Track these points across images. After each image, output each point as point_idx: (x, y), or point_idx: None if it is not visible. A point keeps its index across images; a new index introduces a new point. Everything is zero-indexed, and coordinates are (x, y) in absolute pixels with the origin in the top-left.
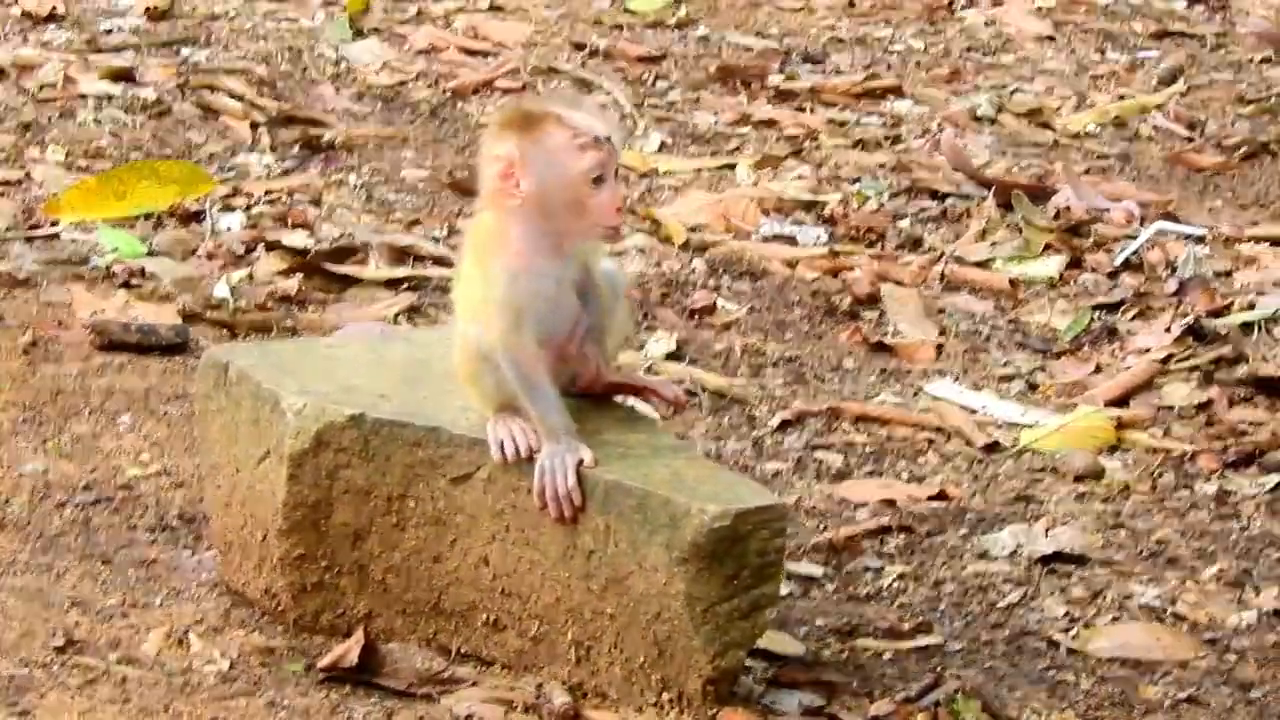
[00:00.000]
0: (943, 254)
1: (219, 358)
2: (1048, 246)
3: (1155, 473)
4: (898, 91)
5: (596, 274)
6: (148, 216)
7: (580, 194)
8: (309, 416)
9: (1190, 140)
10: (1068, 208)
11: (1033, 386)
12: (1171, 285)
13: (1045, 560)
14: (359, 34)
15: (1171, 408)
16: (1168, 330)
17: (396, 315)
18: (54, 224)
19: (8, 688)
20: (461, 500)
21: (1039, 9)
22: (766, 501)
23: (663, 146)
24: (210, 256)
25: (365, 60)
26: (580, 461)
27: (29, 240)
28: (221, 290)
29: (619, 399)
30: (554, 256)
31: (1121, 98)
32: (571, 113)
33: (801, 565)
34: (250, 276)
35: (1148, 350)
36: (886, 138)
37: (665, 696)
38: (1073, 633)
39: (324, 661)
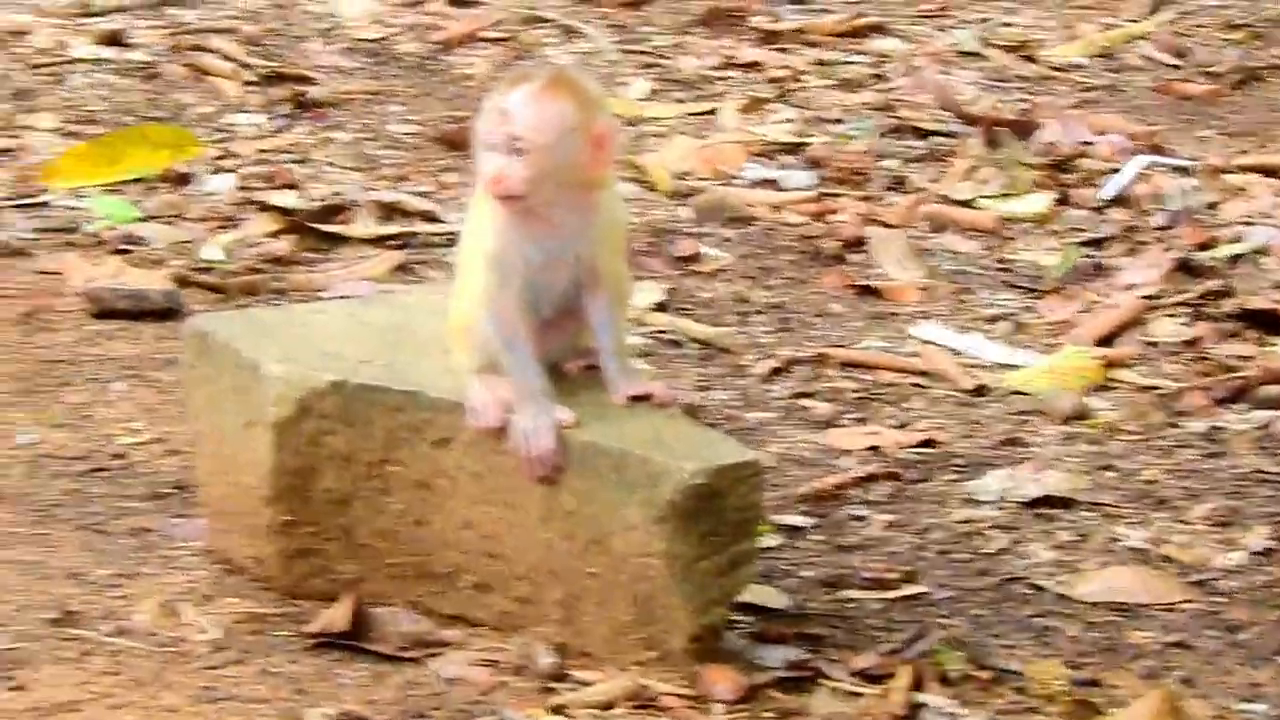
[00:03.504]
0: (929, 194)
1: (200, 327)
2: (1035, 183)
3: (1143, 412)
4: (882, 29)
5: (602, 275)
6: (139, 181)
7: (479, 157)
8: (291, 384)
9: (1178, 69)
10: (1054, 143)
11: (1020, 326)
12: (1159, 219)
13: (1032, 504)
14: None
15: (1159, 344)
16: (1156, 266)
17: (385, 273)
18: (43, 191)
19: (3, 661)
20: (444, 463)
21: None
22: (744, 458)
23: (651, 93)
24: (201, 220)
25: (352, 14)
26: (559, 422)
27: (20, 208)
28: (212, 253)
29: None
30: (539, 223)
31: (1108, 28)
32: (518, 76)
33: (788, 516)
34: (241, 238)
35: (1135, 286)
36: (871, 76)
37: (650, 654)
38: (1059, 578)
39: (313, 627)
